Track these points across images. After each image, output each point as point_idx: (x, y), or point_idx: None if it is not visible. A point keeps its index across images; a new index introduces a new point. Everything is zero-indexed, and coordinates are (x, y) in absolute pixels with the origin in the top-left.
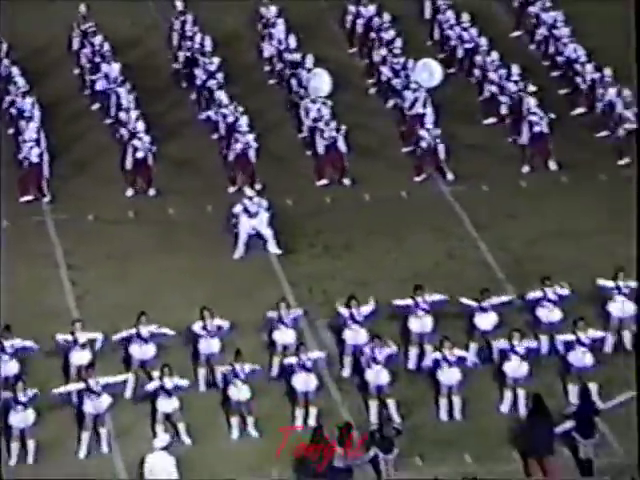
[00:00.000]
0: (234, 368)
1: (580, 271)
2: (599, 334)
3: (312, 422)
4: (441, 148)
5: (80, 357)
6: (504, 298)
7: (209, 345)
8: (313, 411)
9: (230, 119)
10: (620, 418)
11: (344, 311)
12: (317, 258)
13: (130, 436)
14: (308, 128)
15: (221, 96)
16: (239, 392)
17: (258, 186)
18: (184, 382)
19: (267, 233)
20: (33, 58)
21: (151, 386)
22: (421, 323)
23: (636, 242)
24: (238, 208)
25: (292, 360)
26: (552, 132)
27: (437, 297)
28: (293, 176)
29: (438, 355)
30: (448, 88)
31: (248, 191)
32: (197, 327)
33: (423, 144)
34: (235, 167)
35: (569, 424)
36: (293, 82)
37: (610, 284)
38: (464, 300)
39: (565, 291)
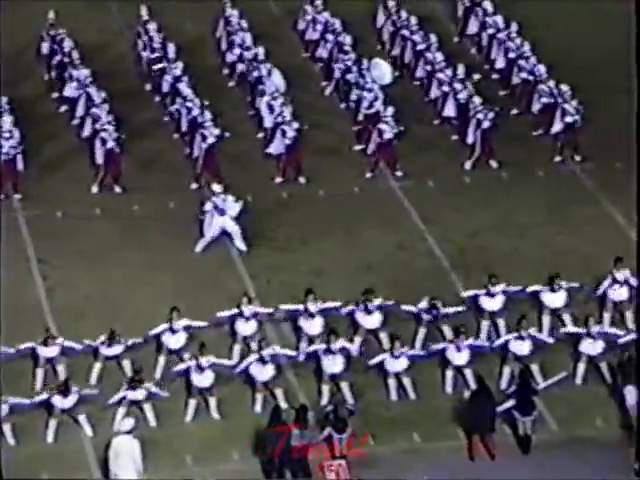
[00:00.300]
0: (198, 361)
1: (518, 261)
2: (539, 335)
3: (282, 403)
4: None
5: (49, 350)
6: (453, 310)
7: (176, 340)
8: (279, 392)
9: (194, 112)
10: (555, 397)
11: (298, 306)
12: (275, 251)
13: (98, 419)
14: (272, 124)
15: (186, 91)
16: (202, 380)
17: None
18: (163, 393)
19: (235, 230)
20: (5, 60)
21: (116, 398)
22: (370, 320)
23: (636, 241)
24: (209, 206)
25: (252, 358)
26: (496, 128)
27: (384, 303)
28: (252, 174)
29: (386, 355)
30: (396, 89)
31: (216, 187)
32: (162, 328)
33: (386, 136)
34: (203, 163)
35: (509, 403)
36: (253, 79)
37: (542, 289)
38: (406, 307)
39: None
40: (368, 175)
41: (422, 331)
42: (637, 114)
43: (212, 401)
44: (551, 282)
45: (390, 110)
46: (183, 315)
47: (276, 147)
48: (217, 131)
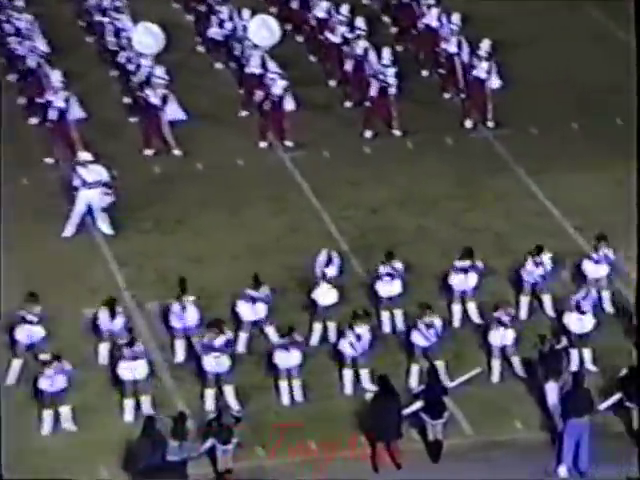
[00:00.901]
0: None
1: (425, 241)
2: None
3: (146, 411)
4: (289, 106)
5: None
6: None
7: (31, 333)
8: (145, 400)
9: (45, 71)
10: (469, 396)
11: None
12: (147, 234)
13: None
14: (137, 87)
15: (40, 44)
16: (51, 385)
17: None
18: None
19: (100, 209)
20: None
21: None
22: (255, 310)
23: (636, 234)
24: (76, 181)
25: (121, 350)
26: (399, 92)
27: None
28: (118, 144)
29: (279, 341)
30: (283, 47)
31: (84, 155)
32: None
33: (276, 91)
34: (52, 132)
35: (417, 405)
36: (110, 33)
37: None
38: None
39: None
40: (262, 144)
41: (317, 327)
42: (638, 105)
43: (64, 410)
44: (467, 256)
45: (274, 66)
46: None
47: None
48: (59, 97)
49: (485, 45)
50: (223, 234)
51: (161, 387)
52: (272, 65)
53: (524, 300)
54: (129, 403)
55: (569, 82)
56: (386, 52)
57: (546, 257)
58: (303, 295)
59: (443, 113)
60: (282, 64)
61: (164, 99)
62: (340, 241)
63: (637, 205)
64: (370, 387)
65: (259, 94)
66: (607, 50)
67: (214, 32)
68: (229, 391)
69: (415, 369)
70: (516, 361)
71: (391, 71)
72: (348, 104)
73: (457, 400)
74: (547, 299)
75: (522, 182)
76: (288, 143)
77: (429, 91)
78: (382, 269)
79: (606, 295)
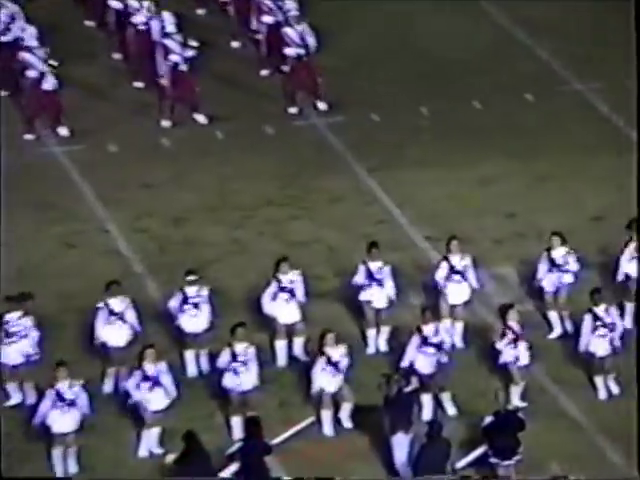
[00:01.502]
0: None
1: (242, 258)
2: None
3: None
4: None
5: None
6: None
7: None
8: None
9: None
10: (297, 452)
11: None
12: None
13: None
14: None
15: None
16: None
17: None
18: None
19: None
20: None
21: None
22: (21, 350)
23: (636, 236)
24: None
25: None
26: (196, 71)
27: None
28: None
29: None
30: (48, 10)
31: None
32: None
33: (32, 74)
34: None
35: (233, 468)
36: None
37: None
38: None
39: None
40: (28, 136)
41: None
42: (637, 102)
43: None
44: (276, 268)
45: (33, 32)
46: None
47: None
48: None
49: (291, 4)
50: None
51: None
52: (30, 32)
53: (370, 332)
54: None
55: (416, 57)
56: (167, 16)
57: (385, 267)
58: (85, 328)
59: (262, 95)
60: (46, 30)
61: None
62: (132, 259)
63: (637, 208)
64: (158, 450)
65: (14, 70)
66: (466, 19)
67: None
68: None
69: (235, 421)
70: (345, 412)
71: (176, 41)
72: (138, 84)
73: (282, 457)
74: (386, 330)
75: (360, 182)
76: (62, 132)
77: (239, 66)
78: (183, 295)
79: (459, 325)
